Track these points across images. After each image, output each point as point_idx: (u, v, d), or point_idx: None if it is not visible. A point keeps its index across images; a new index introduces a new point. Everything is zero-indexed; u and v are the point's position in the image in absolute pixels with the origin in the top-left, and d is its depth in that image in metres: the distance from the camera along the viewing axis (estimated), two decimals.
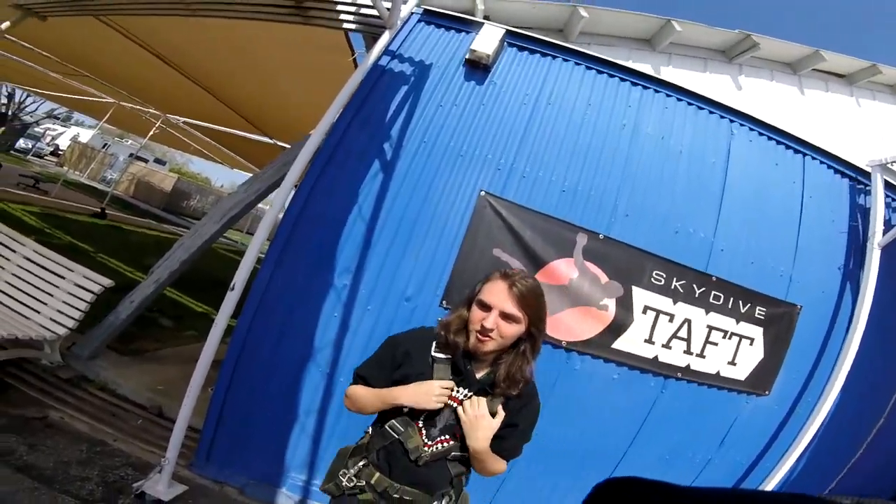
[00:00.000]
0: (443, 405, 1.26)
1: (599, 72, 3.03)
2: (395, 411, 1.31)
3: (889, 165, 3.28)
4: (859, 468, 3.59)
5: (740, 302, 2.69)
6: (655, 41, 4.65)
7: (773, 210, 2.99)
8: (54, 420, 2.62)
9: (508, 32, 2.95)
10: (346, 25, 3.13)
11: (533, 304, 1.26)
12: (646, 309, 2.59)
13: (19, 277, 3.07)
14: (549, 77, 2.97)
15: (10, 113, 19.00)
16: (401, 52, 2.91)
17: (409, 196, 2.67)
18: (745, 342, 2.73)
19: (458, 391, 1.28)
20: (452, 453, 1.30)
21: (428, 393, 1.25)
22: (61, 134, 27.61)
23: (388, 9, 2.60)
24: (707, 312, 2.65)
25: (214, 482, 2.56)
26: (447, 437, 1.28)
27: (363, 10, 3.04)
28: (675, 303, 2.62)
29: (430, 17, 3.05)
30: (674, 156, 2.92)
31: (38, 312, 2.97)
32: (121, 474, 2.38)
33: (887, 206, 3.32)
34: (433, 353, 1.33)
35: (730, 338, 2.70)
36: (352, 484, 1.32)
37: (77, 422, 2.66)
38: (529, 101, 2.89)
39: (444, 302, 2.52)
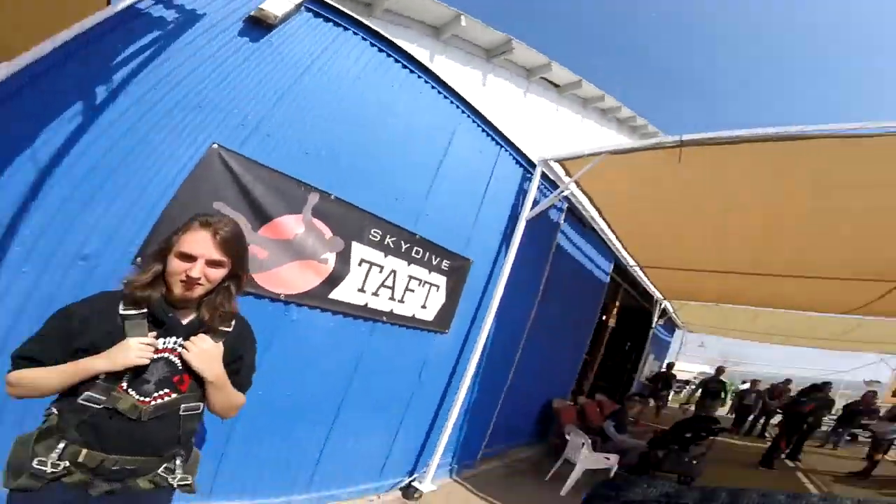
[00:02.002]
0: (148, 360, 1.22)
1: (381, 50, 3.13)
2: (86, 383, 1.21)
3: (549, 161, 4.66)
4: (515, 387, 5.14)
5: (433, 256, 3.46)
6: (442, 30, 5.03)
7: (469, 188, 3.88)
8: None
9: None
10: None
11: (236, 248, 1.32)
12: (361, 261, 3.01)
13: None
14: (331, 46, 2.93)
15: None
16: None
17: (114, 143, 2.24)
18: (433, 289, 3.53)
19: (164, 342, 1.28)
20: (182, 405, 1.30)
21: (127, 351, 1.20)
22: None
23: None
24: (409, 264, 3.31)
25: None
26: (167, 390, 1.27)
27: None
28: (385, 256, 3.15)
29: None
30: (414, 134, 3.33)
31: None
32: None
33: (540, 190, 4.77)
34: (122, 312, 1.26)
35: (423, 285, 3.44)
36: (57, 469, 1.17)
37: None
38: (301, 65, 2.81)
39: (138, 259, 2.24)
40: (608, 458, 4.72)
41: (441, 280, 3.57)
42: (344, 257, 2.94)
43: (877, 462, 7.55)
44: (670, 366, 12.38)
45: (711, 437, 6.05)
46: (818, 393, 8.31)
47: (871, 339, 9.41)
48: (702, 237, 5.39)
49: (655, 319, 10.75)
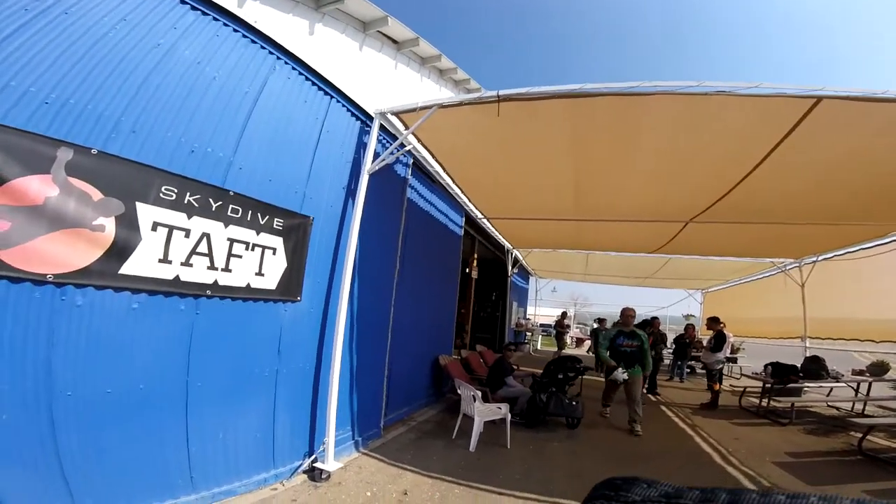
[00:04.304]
0: None
1: None
2: None
3: (386, 114, 4.49)
4: (398, 349, 5.01)
5: (259, 214, 3.02)
6: None
7: (294, 139, 3.50)
8: None
9: None
10: None
11: None
12: (156, 226, 2.47)
13: None
14: None
15: None
16: None
17: None
18: (268, 252, 3.09)
19: None
20: None
21: None
22: None
23: None
24: (227, 226, 2.83)
25: None
26: None
27: None
28: (190, 217, 2.63)
29: None
30: (206, 80, 2.88)
31: None
32: None
33: (380, 142, 4.61)
34: None
35: (253, 249, 2.99)
36: None
37: None
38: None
39: None
40: (500, 408, 4.81)
41: (276, 242, 3.16)
42: (128, 222, 2.36)
43: (718, 392, 7.78)
44: (563, 315, 14.21)
45: (579, 376, 6.49)
46: (650, 328, 8.73)
47: (678, 275, 11.89)
48: (528, 187, 5.92)
49: (510, 268, 11.80)
